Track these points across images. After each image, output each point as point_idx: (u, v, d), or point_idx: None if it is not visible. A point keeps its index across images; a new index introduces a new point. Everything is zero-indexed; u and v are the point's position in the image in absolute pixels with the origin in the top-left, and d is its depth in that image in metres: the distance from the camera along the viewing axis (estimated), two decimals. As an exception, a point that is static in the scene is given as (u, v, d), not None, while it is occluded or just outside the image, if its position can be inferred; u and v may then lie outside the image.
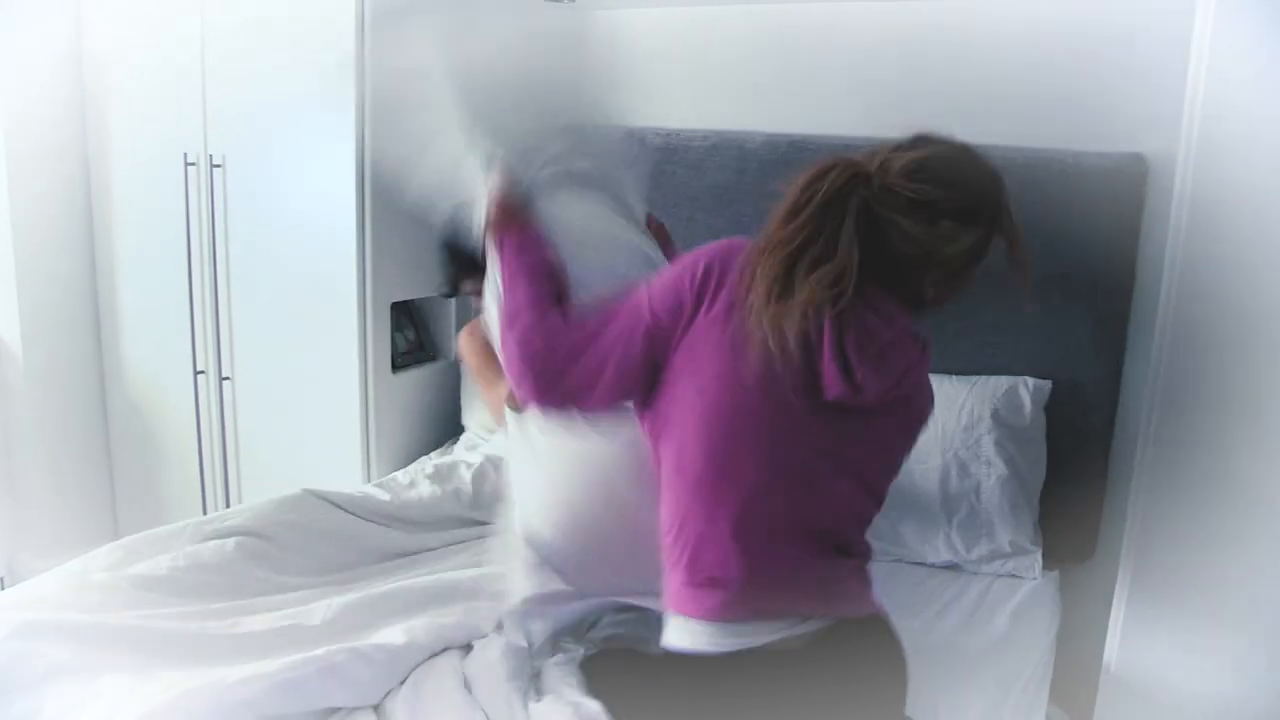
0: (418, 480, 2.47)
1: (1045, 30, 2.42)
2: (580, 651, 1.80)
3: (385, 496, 2.34)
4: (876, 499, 1.57)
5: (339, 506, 2.21)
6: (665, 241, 2.09)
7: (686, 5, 2.83)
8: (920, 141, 1.46)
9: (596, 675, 1.67)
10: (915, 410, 1.57)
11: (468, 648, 1.81)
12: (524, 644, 1.78)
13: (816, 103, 2.71)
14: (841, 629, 1.47)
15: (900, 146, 1.45)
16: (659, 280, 1.51)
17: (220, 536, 1.97)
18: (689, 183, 2.78)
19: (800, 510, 1.47)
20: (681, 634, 1.50)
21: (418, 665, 1.72)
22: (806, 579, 1.48)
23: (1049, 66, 2.43)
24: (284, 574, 1.95)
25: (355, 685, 1.61)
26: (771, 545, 1.46)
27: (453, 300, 3.13)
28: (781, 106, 2.74)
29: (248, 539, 1.98)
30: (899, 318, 1.45)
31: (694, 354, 1.46)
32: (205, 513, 3.15)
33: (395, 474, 2.58)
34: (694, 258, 1.49)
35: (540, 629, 1.82)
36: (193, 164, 2.90)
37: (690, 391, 1.46)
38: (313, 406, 2.92)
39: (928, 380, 1.58)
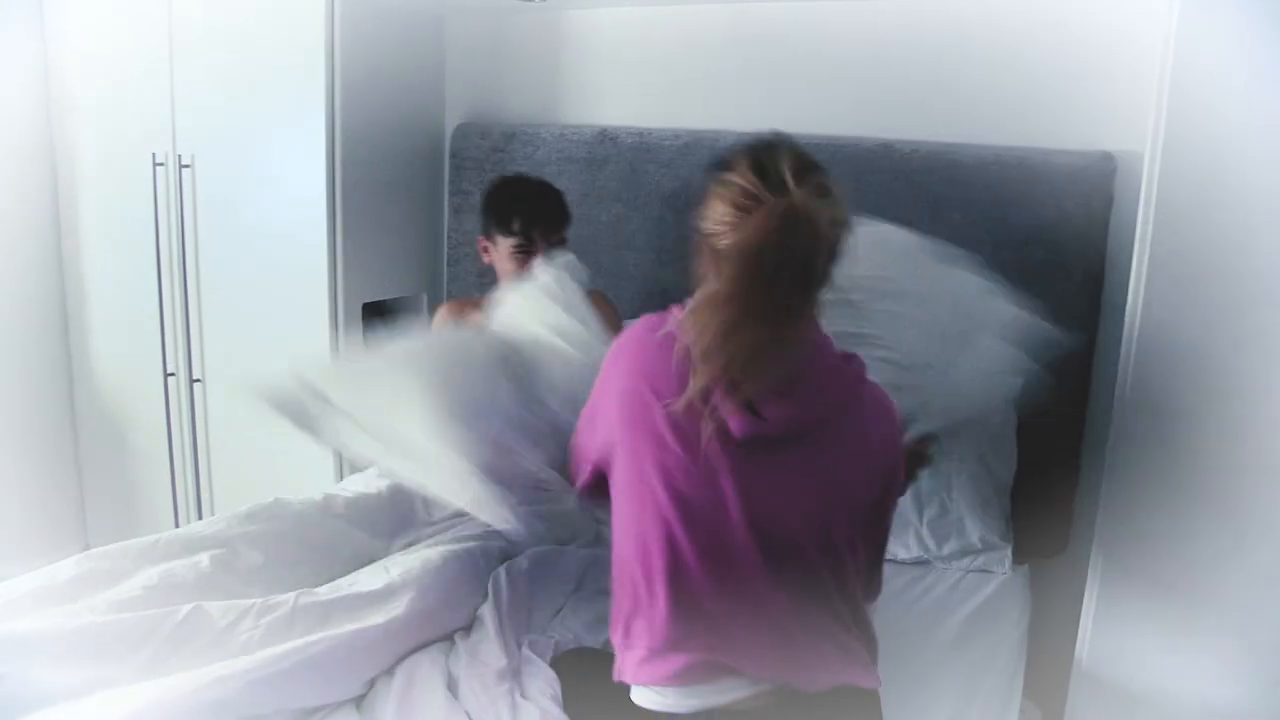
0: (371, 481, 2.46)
1: (1015, 31, 2.44)
2: (550, 646, 1.81)
3: (350, 495, 2.31)
4: (840, 538, 1.47)
5: (312, 512, 2.18)
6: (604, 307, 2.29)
7: (659, 5, 2.83)
8: (775, 146, 1.42)
9: (566, 682, 1.68)
10: (856, 428, 1.47)
11: (451, 641, 1.81)
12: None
13: (788, 102, 2.72)
14: (811, 698, 1.45)
15: (795, 171, 1.39)
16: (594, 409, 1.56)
17: (191, 552, 1.91)
18: (661, 182, 2.78)
19: (750, 561, 1.41)
20: (645, 695, 1.50)
21: (402, 657, 1.72)
22: (766, 639, 1.44)
23: (1019, 67, 2.45)
24: (259, 585, 1.89)
25: (334, 678, 1.60)
26: (726, 606, 1.43)
27: (424, 300, 3.13)
28: (753, 106, 2.74)
29: (221, 553, 1.92)
30: (807, 336, 1.43)
31: (632, 449, 1.46)
32: (177, 516, 3.13)
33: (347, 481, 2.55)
34: (611, 383, 1.51)
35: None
36: (161, 164, 2.88)
37: (632, 472, 1.46)
38: (285, 408, 2.90)
39: (866, 395, 1.49)
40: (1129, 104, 2.30)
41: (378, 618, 1.72)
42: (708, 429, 1.37)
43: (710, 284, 1.39)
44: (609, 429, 1.49)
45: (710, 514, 1.41)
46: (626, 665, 1.51)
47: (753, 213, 1.35)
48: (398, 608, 1.78)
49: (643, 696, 1.50)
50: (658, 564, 1.43)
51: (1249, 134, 1.83)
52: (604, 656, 1.74)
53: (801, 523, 1.43)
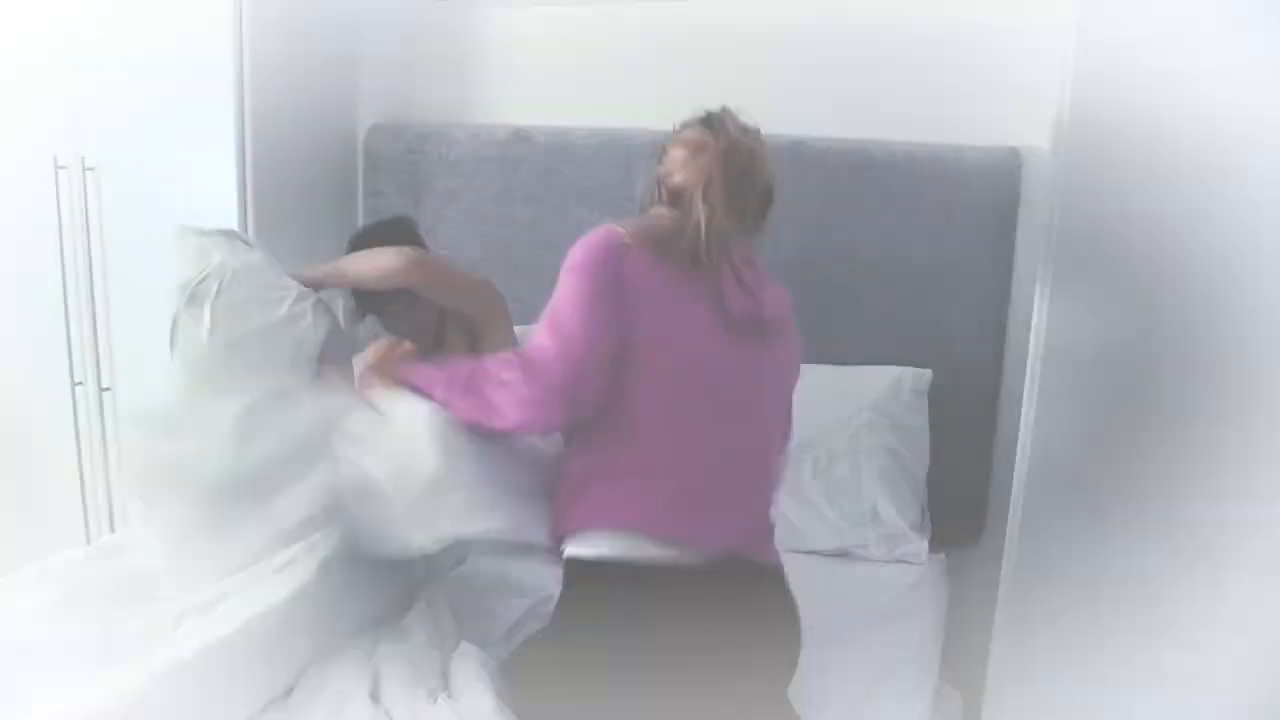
0: None
1: (923, 28, 2.48)
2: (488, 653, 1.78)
3: None
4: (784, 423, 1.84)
5: None
6: None
7: (573, 4, 2.82)
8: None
9: (518, 672, 1.66)
10: (793, 338, 1.83)
11: (375, 640, 1.79)
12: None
13: (702, 99, 2.72)
14: (740, 567, 1.62)
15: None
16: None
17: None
18: (576, 181, 2.77)
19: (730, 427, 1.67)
20: (593, 542, 1.61)
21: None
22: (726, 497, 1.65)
23: (928, 63, 2.49)
24: None
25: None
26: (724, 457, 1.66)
27: (339, 303, 3.08)
28: (668, 103, 2.73)
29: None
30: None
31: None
32: (87, 528, 3.04)
33: None
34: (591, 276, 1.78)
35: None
36: (64, 167, 2.80)
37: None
38: (198, 416, 2.83)
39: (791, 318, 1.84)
40: (1034, 100, 2.34)
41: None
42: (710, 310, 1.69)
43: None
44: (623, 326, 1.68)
45: (723, 376, 1.68)
46: (590, 506, 1.63)
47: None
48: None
49: (588, 545, 1.60)
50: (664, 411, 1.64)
51: (1152, 127, 1.88)
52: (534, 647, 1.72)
53: (772, 395, 1.77)
